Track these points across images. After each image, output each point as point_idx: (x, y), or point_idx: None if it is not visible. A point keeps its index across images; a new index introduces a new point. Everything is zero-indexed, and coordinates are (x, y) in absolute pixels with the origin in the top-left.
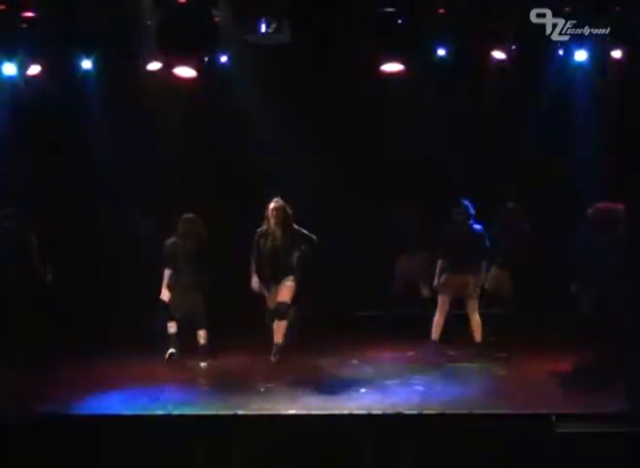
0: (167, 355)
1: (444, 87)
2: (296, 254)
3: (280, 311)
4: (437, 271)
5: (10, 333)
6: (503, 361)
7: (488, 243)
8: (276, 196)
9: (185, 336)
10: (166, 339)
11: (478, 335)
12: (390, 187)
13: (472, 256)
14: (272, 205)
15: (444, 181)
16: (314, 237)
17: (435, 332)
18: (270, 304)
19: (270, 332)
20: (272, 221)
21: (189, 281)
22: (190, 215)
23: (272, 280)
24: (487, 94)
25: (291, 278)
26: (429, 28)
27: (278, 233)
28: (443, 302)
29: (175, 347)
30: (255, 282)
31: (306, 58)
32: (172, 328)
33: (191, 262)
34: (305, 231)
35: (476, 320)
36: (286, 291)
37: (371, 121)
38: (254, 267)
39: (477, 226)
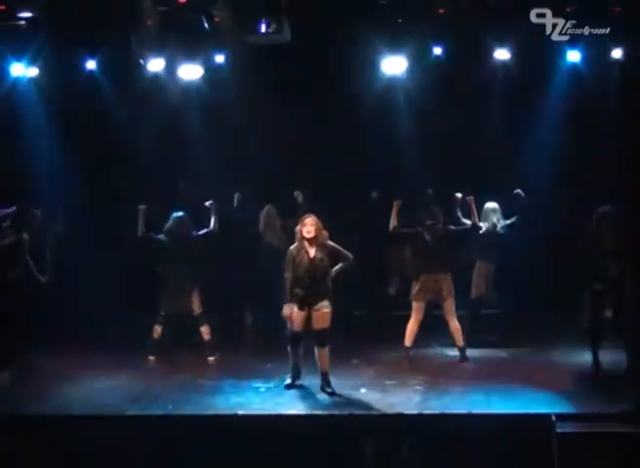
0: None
1: (443, 86)
2: (331, 273)
3: (322, 340)
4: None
5: (6, 333)
6: (503, 360)
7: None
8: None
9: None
10: (149, 344)
11: (459, 340)
12: (387, 184)
13: (443, 258)
14: (306, 222)
15: (439, 180)
16: (350, 255)
17: (408, 340)
18: (297, 325)
19: (295, 354)
20: (307, 238)
21: (181, 280)
22: (180, 215)
23: (306, 300)
24: (486, 93)
25: (327, 303)
26: (429, 28)
27: (313, 251)
28: (418, 308)
29: (155, 354)
30: (286, 309)
31: (306, 58)
32: (156, 333)
33: (183, 261)
34: (341, 248)
35: (454, 324)
36: (326, 317)
37: (370, 120)
38: (288, 290)
39: (450, 228)
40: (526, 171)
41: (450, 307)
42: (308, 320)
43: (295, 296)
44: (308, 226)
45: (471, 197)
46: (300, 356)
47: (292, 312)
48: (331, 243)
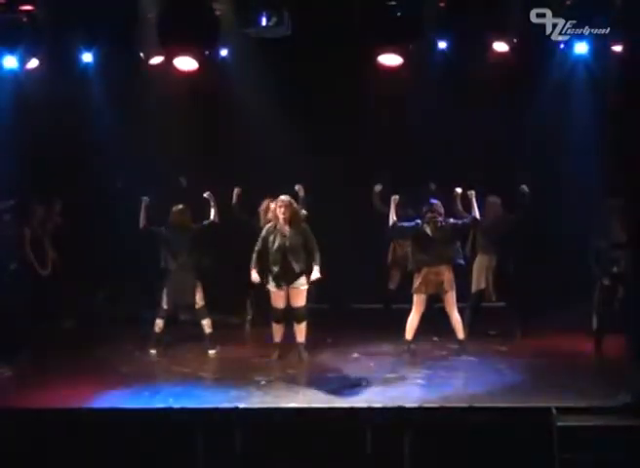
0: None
1: (444, 80)
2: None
3: (299, 316)
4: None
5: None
6: (503, 354)
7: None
8: (275, 189)
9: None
10: (150, 338)
11: (460, 333)
12: (388, 178)
13: (444, 250)
14: (280, 202)
15: (441, 173)
16: (318, 255)
17: (409, 333)
18: (277, 302)
19: (277, 331)
20: (280, 219)
21: (184, 272)
22: (180, 207)
23: (282, 278)
24: (487, 87)
25: (303, 281)
26: (430, 21)
27: (287, 231)
28: (419, 301)
29: (157, 347)
30: (254, 275)
31: (307, 51)
32: (158, 326)
33: (185, 253)
34: (312, 237)
35: (455, 317)
36: (301, 295)
37: (370, 113)
38: (254, 261)
39: (450, 221)
40: (529, 165)
41: (451, 300)
42: (288, 298)
43: (270, 274)
44: (282, 207)
45: (472, 192)
46: (282, 333)
47: (257, 278)
48: (305, 227)
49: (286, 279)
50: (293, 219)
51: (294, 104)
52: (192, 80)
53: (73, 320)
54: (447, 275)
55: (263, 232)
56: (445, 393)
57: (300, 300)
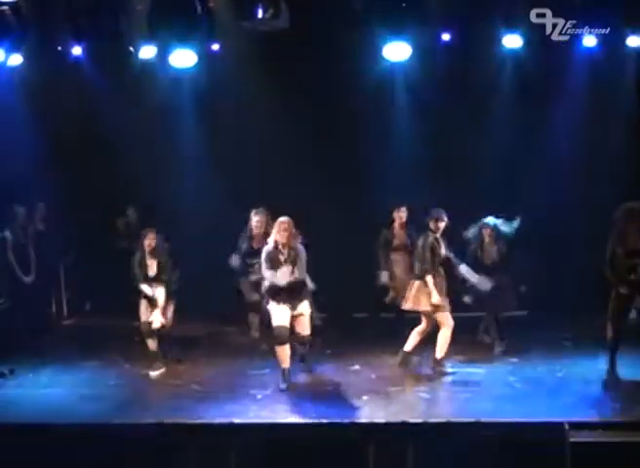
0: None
1: (448, 72)
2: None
3: (304, 342)
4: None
5: None
6: (513, 365)
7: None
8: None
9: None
10: (150, 356)
11: (439, 352)
12: (390, 180)
13: (415, 265)
14: (280, 224)
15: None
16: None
17: (408, 344)
18: (280, 319)
19: (284, 354)
20: (282, 240)
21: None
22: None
23: (286, 300)
24: (494, 79)
25: (306, 306)
26: (434, 12)
27: (287, 251)
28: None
29: (158, 366)
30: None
31: (305, 44)
32: (152, 344)
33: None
34: (302, 261)
35: (440, 334)
36: (306, 323)
37: (373, 107)
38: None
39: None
40: (543, 168)
41: (439, 318)
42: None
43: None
44: (282, 231)
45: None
46: (288, 355)
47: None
48: (299, 249)
49: (290, 300)
50: (292, 241)
51: (291, 99)
52: (184, 74)
53: (59, 331)
54: (414, 291)
55: (265, 256)
56: (451, 407)
57: (305, 329)
